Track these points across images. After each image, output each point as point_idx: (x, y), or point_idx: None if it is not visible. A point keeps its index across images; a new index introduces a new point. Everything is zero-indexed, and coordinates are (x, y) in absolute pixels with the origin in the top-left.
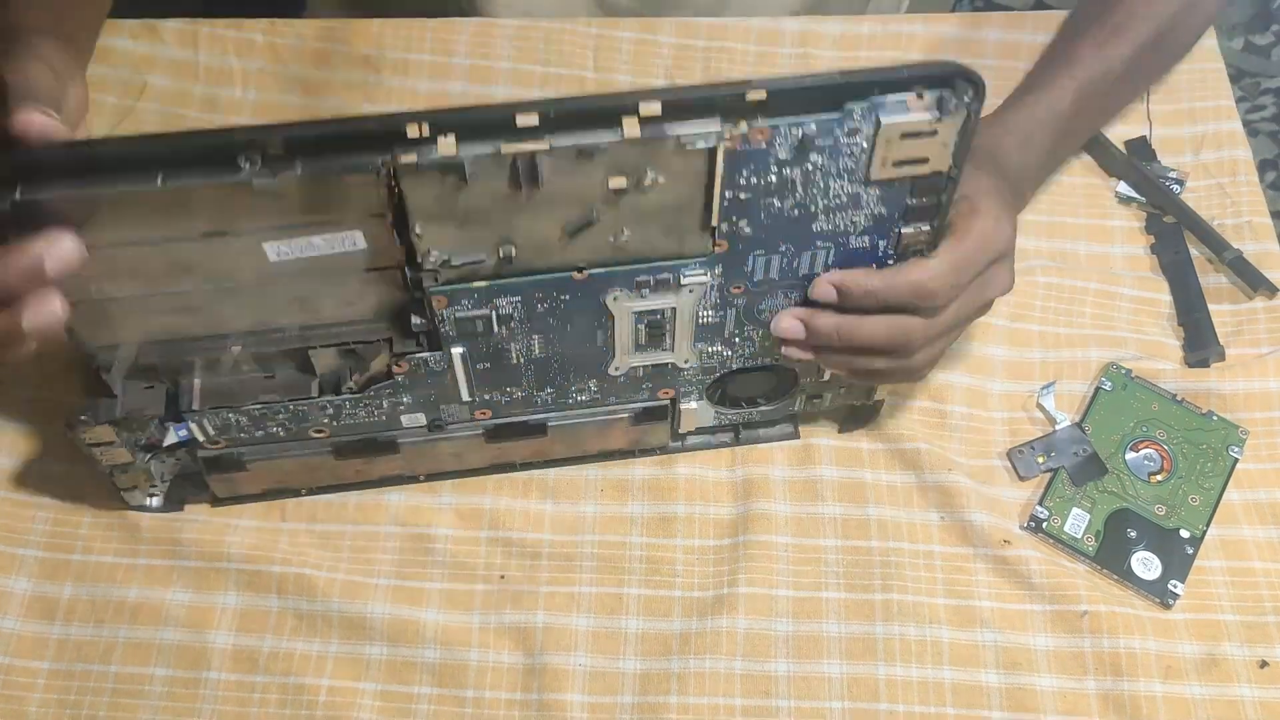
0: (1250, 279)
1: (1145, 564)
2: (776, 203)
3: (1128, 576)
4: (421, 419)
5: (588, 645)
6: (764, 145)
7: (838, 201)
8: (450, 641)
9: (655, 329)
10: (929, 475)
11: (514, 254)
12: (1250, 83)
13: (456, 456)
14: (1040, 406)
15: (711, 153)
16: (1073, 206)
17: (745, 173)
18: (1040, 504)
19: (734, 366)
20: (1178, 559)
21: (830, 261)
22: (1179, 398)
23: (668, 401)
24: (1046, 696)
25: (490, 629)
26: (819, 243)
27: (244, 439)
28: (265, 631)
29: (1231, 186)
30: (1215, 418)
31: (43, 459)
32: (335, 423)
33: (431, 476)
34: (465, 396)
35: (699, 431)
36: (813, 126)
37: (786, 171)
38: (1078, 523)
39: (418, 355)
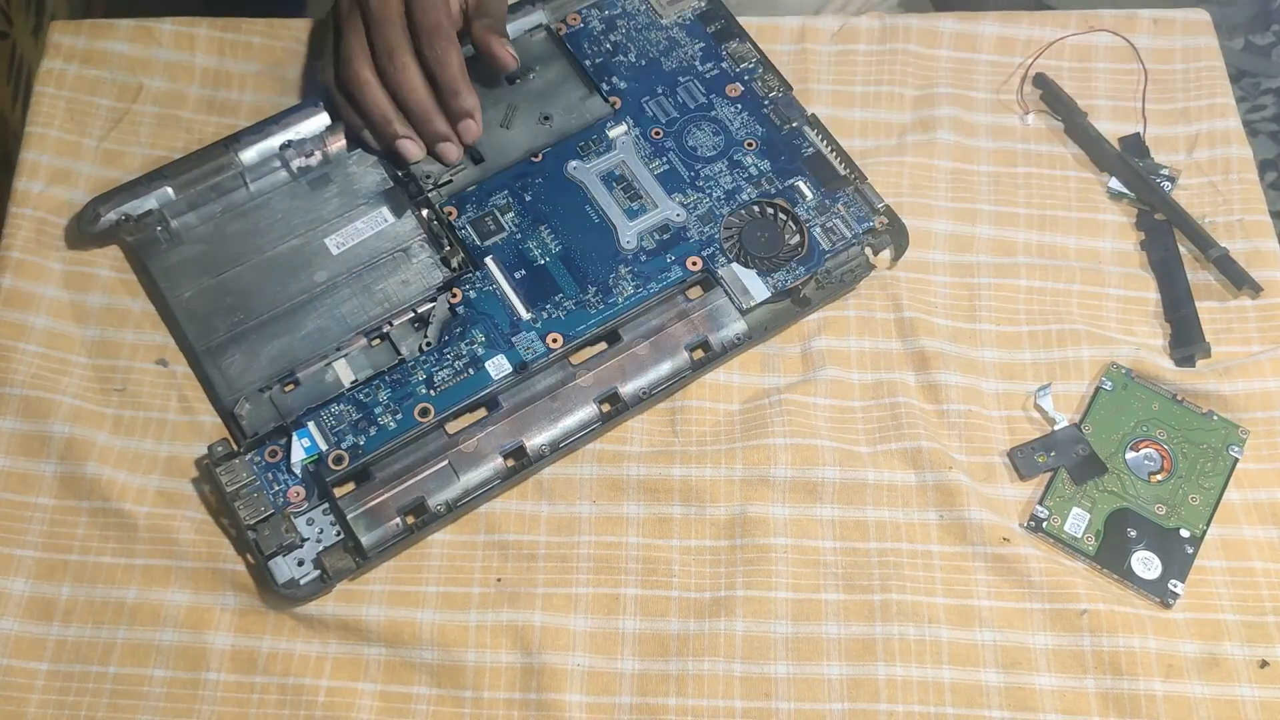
0: (1234, 277)
1: (1145, 563)
2: (626, 59)
3: (1128, 576)
4: (506, 364)
5: (585, 645)
6: (581, 24)
7: (661, 46)
8: (448, 642)
9: (625, 186)
10: (929, 474)
11: (480, 154)
12: (1250, 83)
13: (563, 410)
14: (1038, 408)
15: (551, 33)
16: (1064, 200)
17: (587, 45)
18: (1040, 503)
19: (722, 211)
20: (1178, 559)
21: (701, 87)
22: (1179, 398)
23: (701, 271)
24: (1046, 695)
25: (487, 628)
26: (680, 78)
27: (361, 445)
28: (264, 632)
29: (1224, 184)
30: (1216, 417)
31: (42, 459)
32: (433, 391)
33: (557, 448)
34: (524, 314)
35: (764, 304)
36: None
37: (613, 37)
38: (1078, 522)
39: (464, 278)
